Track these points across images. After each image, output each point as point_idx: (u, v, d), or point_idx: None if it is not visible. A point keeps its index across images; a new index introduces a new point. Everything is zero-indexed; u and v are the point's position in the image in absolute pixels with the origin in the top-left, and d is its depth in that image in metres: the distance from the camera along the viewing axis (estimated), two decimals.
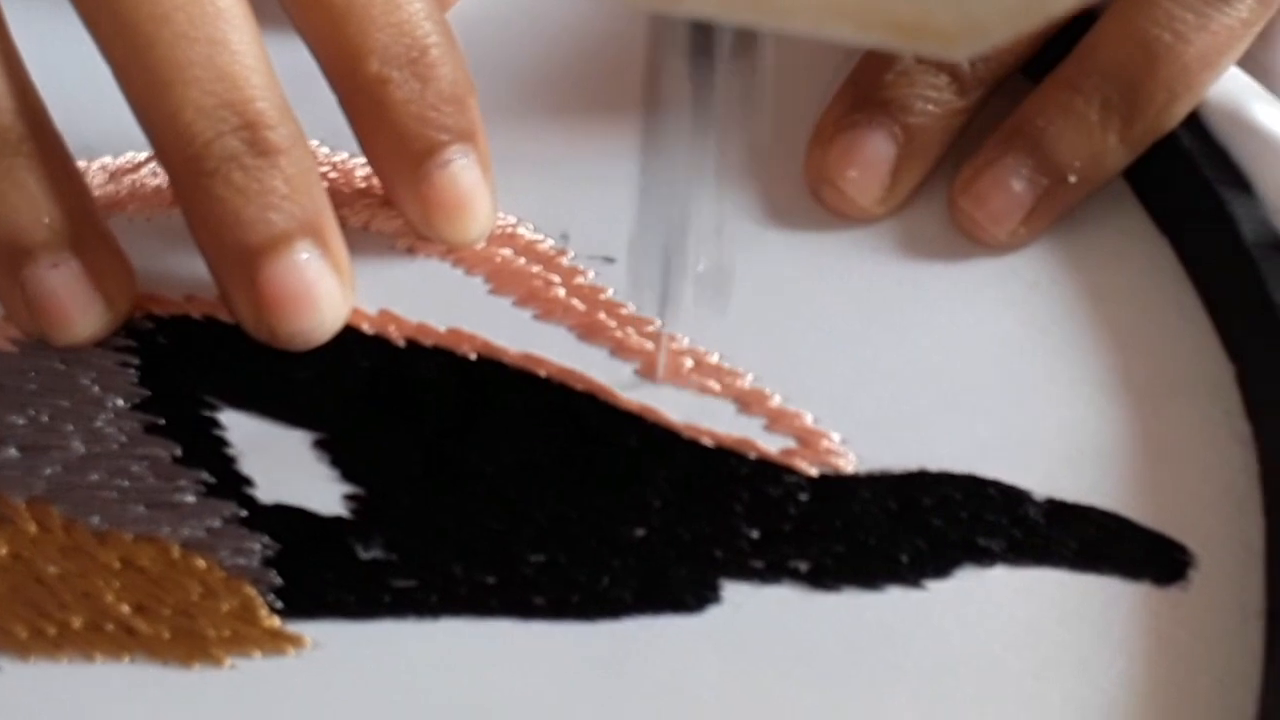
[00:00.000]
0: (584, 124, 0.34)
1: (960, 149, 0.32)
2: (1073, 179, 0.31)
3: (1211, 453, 0.28)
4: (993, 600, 0.26)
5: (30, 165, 0.29)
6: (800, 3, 0.21)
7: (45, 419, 0.29)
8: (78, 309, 0.29)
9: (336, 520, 0.28)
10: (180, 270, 0.31)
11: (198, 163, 0.28)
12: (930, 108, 0.31)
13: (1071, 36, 0.32)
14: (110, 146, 0.33)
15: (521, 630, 0.26)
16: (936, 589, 0.26)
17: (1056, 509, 0.27)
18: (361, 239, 0.31)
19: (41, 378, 0.30)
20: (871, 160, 0.31)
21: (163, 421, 0.29)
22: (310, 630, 0.26)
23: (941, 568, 0.27)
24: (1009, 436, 0.28)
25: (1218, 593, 0.26)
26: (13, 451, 0.29)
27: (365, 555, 0.27)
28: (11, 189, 0.29)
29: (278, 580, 0.27)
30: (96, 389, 0.30)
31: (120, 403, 0.30)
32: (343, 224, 0.30)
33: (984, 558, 0.27)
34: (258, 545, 0.28)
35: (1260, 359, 0.28)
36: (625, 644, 0.26)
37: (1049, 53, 0.32)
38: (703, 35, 0.23)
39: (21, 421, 0.29)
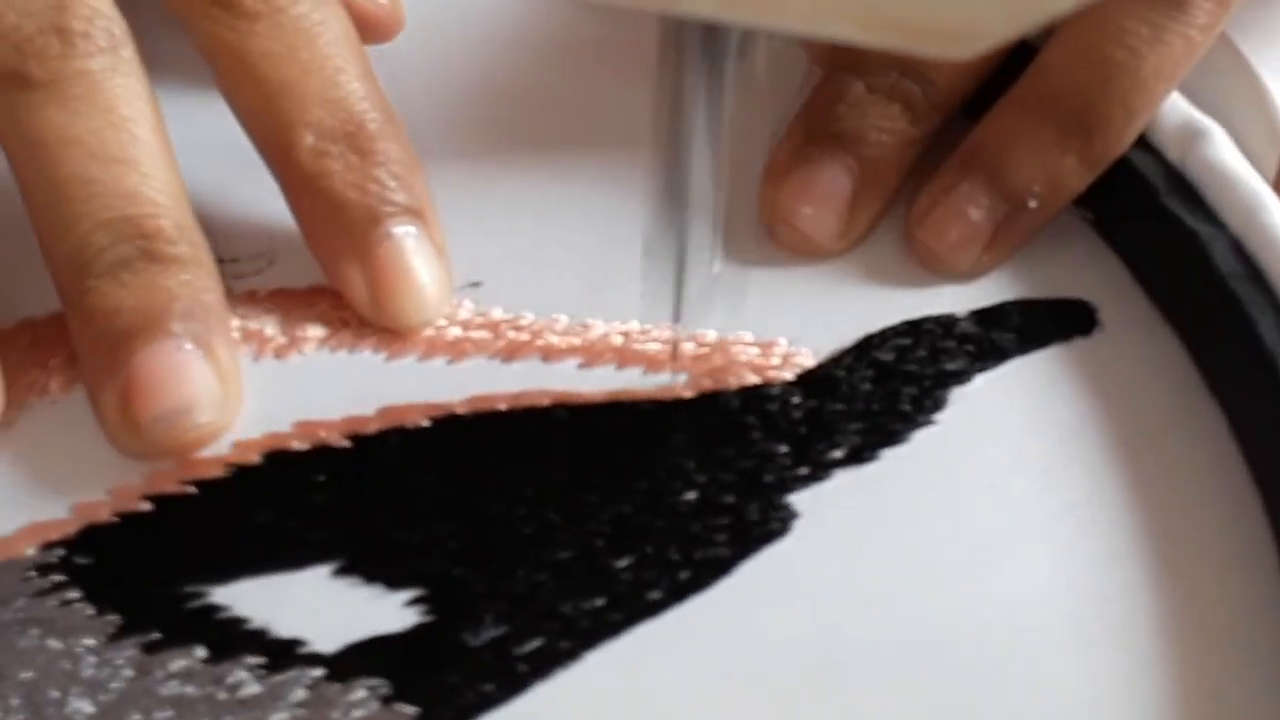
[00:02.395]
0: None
1: (913, 179, 0.31)
2: (1033, 204, 0.30)
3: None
4: (994, 403, 0.29)
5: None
6: (800, 2, 0.21)
7: (18, 700, 0.24)
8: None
9: (422, 629, 0.26)
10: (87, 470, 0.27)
11: (88, 268, 0.28)
12: (884, 138, 0.31)
13: (1017, 64, 0.31)
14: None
15: (659, 626, 0.26)
16: (944, 419, 0.29)
17: (981, 316, 0.31)
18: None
19: None
20: (827, 195, 0.30)
21: (158, 635, 0.25)
22: None
23: (938, 400, 0.29)
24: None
25: None
26: None
27: (477, 641, 0.25)
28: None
29: (411, 709, 0.25)
30: (53, 642, 0.25)
31: (92, 641, 0.25)
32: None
33: (959, 378, 0.30)
34: (363, 692, 0.25)
35: (1249, 395, 0.28)
36: (752, 587, 0.26)
37: (991, 86, 0.31)
38: (716, 36, 0.23)
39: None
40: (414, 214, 0.29)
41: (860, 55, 0.32)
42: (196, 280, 0.28)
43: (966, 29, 0.20)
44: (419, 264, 0.29)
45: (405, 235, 0.29)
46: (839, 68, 0.32)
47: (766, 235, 0.32)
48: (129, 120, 0.28)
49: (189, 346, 0.27)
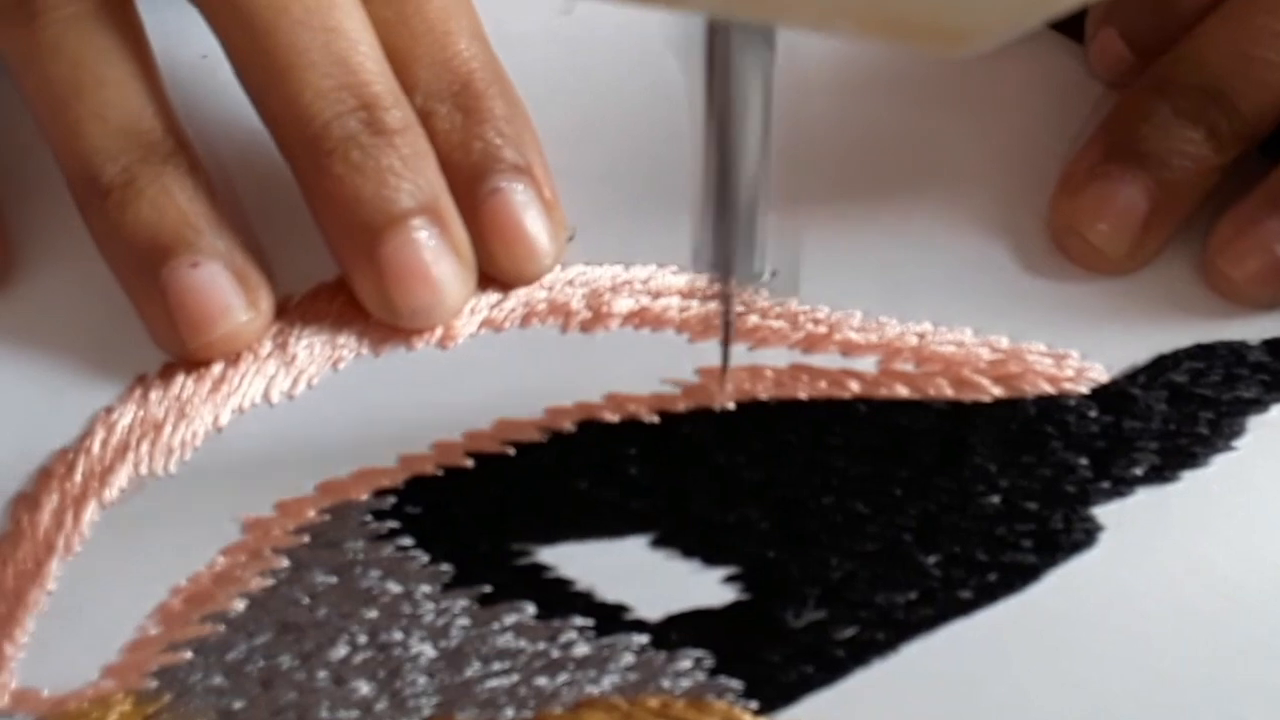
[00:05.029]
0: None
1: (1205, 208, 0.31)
2: None
3: None
4: None
5: (175, 175, 0.29)
6: (802, 1, 0.21)
7: (365, 638, 0.25)
8: (217, 307, 0.28)
9: (740, 605, 0.26)
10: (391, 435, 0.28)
11: (317, 143, 0.29)
12: (1186, 163, 0.30)
13: None
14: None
15: (971, 625, 0.26)
16: (1244, 445, 0.29)
17: (1273, 346, 0.31)
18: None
19: (323, 599, 0.26)
20: (1123, 213, 0.30)
21: (489, 589, 0.26)
22: (798, 714, 0.25)
23: (1235, 428, 0.29)
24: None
25: None
26: (364, 687, 0.25)
27: (798, 623, 0.26)
28: (158, 195, 0.29)
29: (737, 684, 0.25)
30: (393, 584, 0.26)
31: (428, 588, 0.26)
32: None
33: (1256, 406, 0.30)
34: (689, 661, 0.25)
35: None
36: (1063, 593, 0.26)
37: None
38: (766, 38, 0.23)
39: (345, 651, 0.25)
40: (519, 170, 0.30)
41: (1168, 77, 0.32)
42: (415, 145, 0.29)
43: (968, 28, 0.20)
44: (528, 217, 0.30)
45: (511, 190, 0.30)
46: (1146, 88, 0.32)
47: (1055, 246, 0.32)
48: None
49: (425, 235, 0.28)
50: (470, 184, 0.30)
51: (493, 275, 0.30)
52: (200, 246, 0.28)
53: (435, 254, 0.28)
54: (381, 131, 0.29)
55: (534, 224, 0.30)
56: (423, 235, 0.28)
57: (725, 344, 0.28)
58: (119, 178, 0.28)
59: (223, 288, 0.28)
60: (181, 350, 0.28)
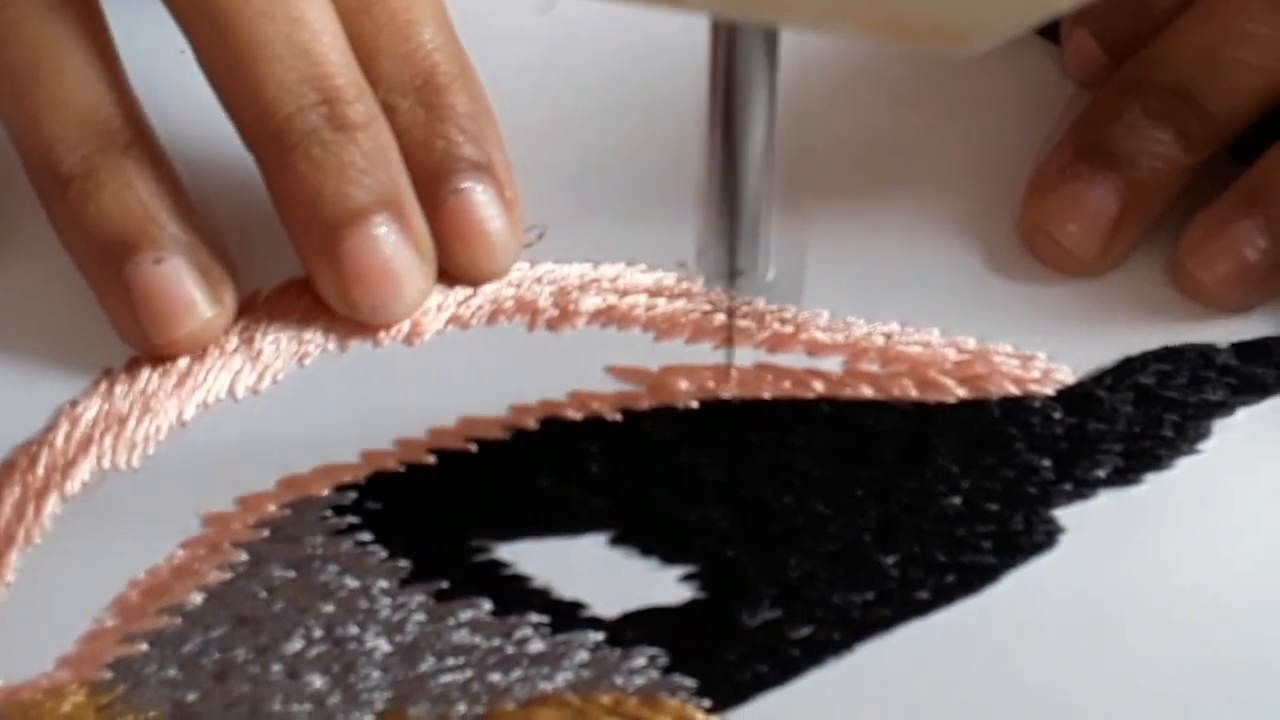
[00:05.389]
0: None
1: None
2: None
3: None
4: (1258, 437, 0.29)
5: (136, 168, 0.29)
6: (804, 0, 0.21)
7: (320, 632, 0.25)
8: (181, 303, 0.28)
9: (696, 604, 0.26)
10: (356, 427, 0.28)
11: (280, 138, 0.29)
12: (1156, 164, 0.30)
13: None
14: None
15: (928, 626, 0.26)
16: (1208, 448, 0.29)
17: (1242, 349, 0.31)
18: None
19: (280, 593, 0.26)
20: (1093, 214, 0.30)
21: (446, 584, 0.26)
22: (751, 714, 0.25)
23: (1200, 431, 0.29)
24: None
25: None
26: (318, 681, 0.25)
27: (753, 622, 0.26)
28: (120, 188, 0.29)
29: (690, 682, 0.25)
30: (350, 579, 0.26)
31: (385, 584, 0.26)
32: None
33: (1222, 410, 0.30)
34: (643, 659, 0.25)
35: None
36: (1021, 595, 0.26)
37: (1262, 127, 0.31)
38: (772, 37, 0.23)
39: (300, 645, 0.25)
40: (480, 169, 0.30)
41: (1139, 78, 0.32)
42: (378, 139, 0.29)
43: (968, 27, 0.20)
44: (487, 217, 0.30)
45: (472, 190, 0.29)
46: (1116, 88, 0.32)
47: (1024, 247, 0.32)
48: None
49: (385, 231, 0.28)
50: (431, 183, 0.30)
51: (451, 273, 0.30)
52: (163, 241, 0.28)
53: (395, 250, 0.28)
54: (344, 127, 0.28)
55: (494, 224, 0.30)
56: (383, 231, 0.28)
57: (729, 344, 0.29)
58: (79, 167, 0.28)
59: (186, 284, 0.28)
60: (146, 346, 0.28)
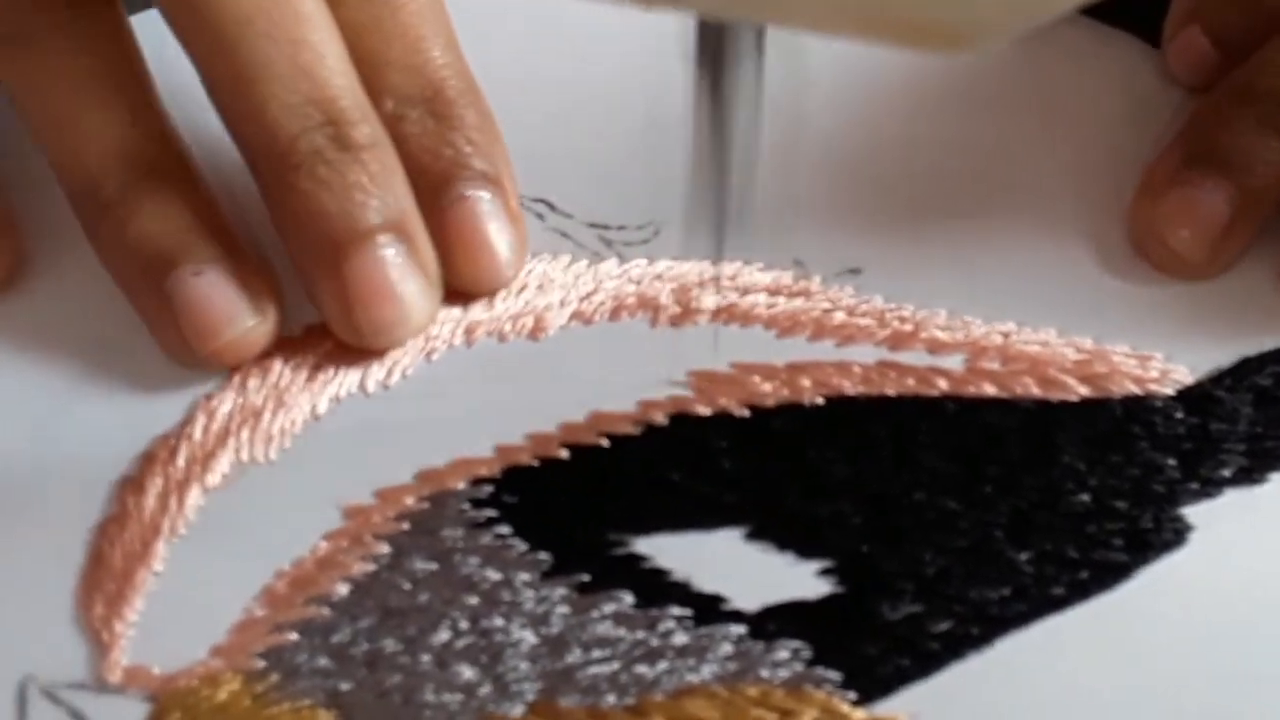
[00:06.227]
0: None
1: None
2: None
3: None
4: None
5: (174, 190, 0.29)
6: (802, 0, 0.20)
7: (466, 624, 0.25)
8: (221, 313, 0.28)
9: (836, 598, 0.26)
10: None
11: (284, 159, 0.28)
12: (1270, 170, 0.30)
13: None
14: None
15: (1065, 622, 0.26)
16: None
17: None
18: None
19: (423, 585, 0.26)
20: (1205, 219, 0.30)
21: (587, 578, 0.26)
22: (897, 706, 0.25)
23: None
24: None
25: None
26: (467, 672, 0.25)
27: (894, 615, 0.26)
28: (158, 209, 0.29)
29: (836, 674, 0.25)
30: (492, 572, 0.26)
31: (527, 576, 0.26)
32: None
33: None
34: (786, 652, 0.26)
35: None
36: (1155, 592, 0.26)
37: None
38: (758, 34, 0.23)
39: (447, 636, 0.25)
40: (487, 179, 0.29)
41: (1252, 83, 0.32)
42: (383, 161, 0.28)
43: (968, 28, 0.20)
44: (491, 227, 0.29)
45: (478, 199, 0.29)
46: (1229, 93, 0.33)
47: (1135, 250, 0.32)
48: None
49: (391, 252, 0.28)
50: (437, 189, 0.29)
51: (451, 284, 0.30)
52: (201, 255, 0.28)
53: (401, 271, 0.28)
54: (348, 147, 0.28)
55: (497, 235, 0.30)
56: (389, 253, 0.28)
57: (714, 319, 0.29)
58: (117, 194, 0.28)
59: (226, 294, 0.28)
60: (190, 359, 0.28)
